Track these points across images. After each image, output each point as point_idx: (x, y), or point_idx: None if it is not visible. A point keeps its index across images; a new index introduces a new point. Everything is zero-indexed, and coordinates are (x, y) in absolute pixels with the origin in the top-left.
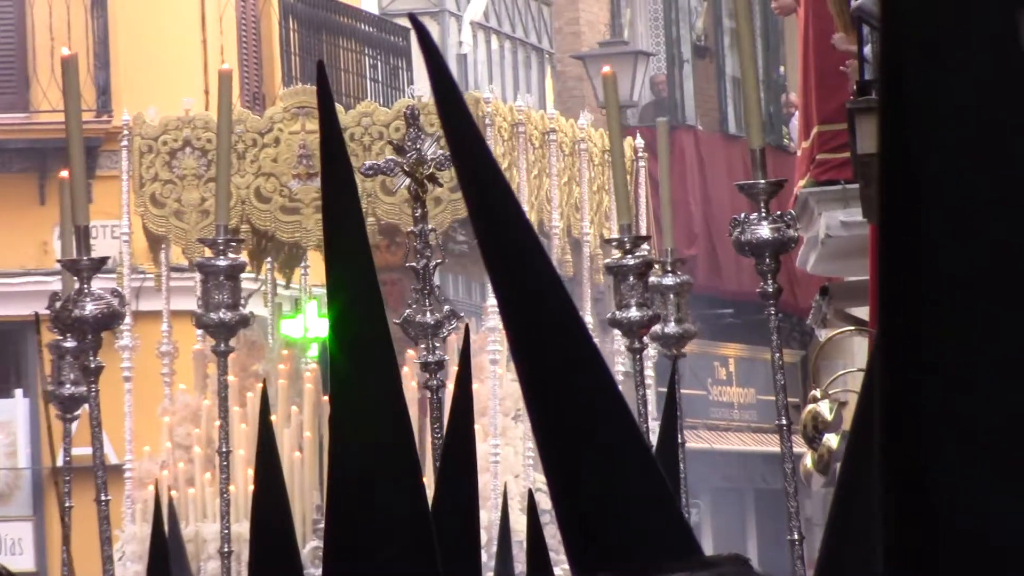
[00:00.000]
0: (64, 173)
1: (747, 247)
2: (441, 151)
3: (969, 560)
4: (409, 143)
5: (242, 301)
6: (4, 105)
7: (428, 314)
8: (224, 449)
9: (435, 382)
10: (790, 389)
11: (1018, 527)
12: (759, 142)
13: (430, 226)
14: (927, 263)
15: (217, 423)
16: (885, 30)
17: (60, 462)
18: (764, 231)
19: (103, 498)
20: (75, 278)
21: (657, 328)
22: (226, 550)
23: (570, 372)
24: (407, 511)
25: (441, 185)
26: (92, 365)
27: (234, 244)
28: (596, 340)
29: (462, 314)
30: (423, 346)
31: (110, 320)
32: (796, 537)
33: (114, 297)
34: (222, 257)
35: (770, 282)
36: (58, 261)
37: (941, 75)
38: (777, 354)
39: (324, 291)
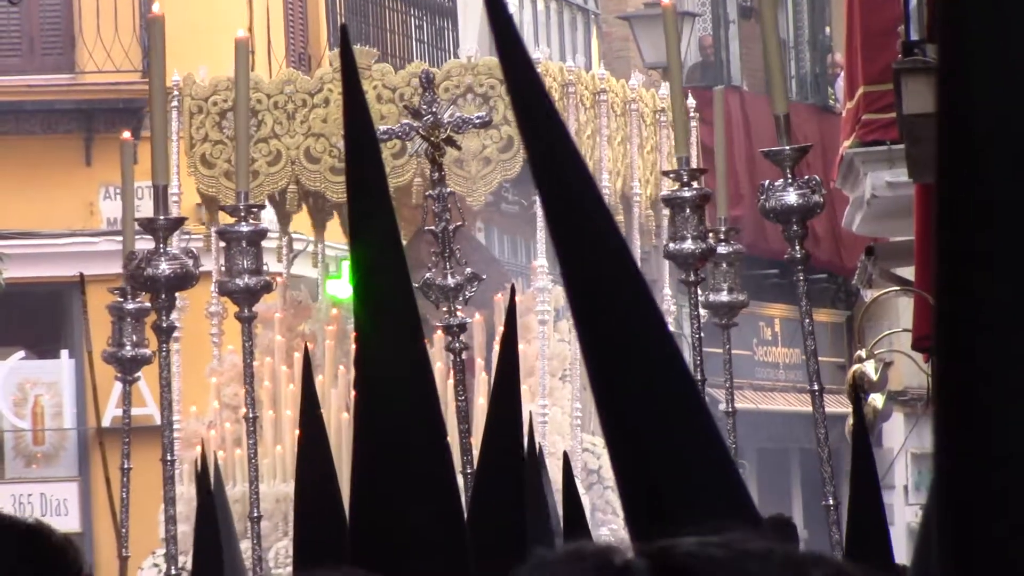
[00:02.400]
0: (126, 134)
1: (772, 214)
2: (459, 114)
3: None
4: (425, 107)
5: (289, 260)
6: (50, 66)
7: (449, 277)
8: (251, 415)
9: (457, 345)
10: (835, 349)
11: None
12: (783, 108)
13: (448, 189)
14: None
15: (266, 383)
16: None
17: (106, 423)
18: (790, 197)
19: (169, 458)
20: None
21: (709, 296)
22: (255, 515)
23: (632, 334)
24: (433, 478)
25: (459, 148)
26: (164, 325)
27: (255, 210)
28: None
29: (484, 277)
30: (444, 309)
31: (184, 280)
32: (831, 502)
33: (189, 257)
34: (243, 223)
35: (798, 248)
36: (136, 220)
37: (1002, 31)
38: (807, 320)
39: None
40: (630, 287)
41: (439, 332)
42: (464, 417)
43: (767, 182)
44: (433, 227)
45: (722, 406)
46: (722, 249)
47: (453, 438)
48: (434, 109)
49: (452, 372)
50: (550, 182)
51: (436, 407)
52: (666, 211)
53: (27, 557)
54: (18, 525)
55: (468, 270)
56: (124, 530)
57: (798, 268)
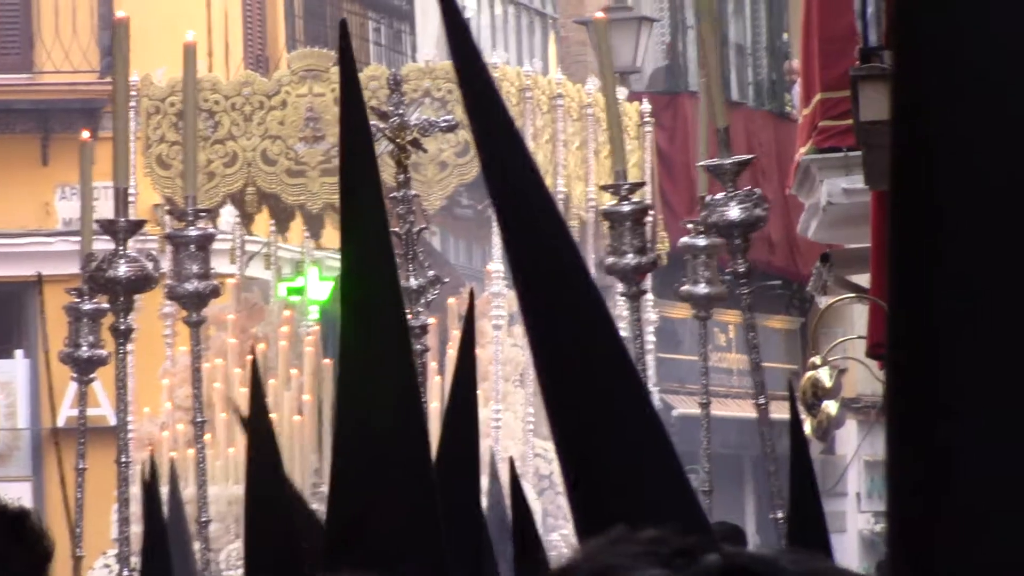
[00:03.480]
0: (85, 134)
1: (714, 228)
2: (425, 116)
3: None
4: (392, 108)
5: (243, 262)
6: (8, 66)
7: (412, 279)
8: (199, 419)
9: (418, 347)
10: (790, 356)
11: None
12: (723, 121)
13: (412, 191)
14: (938, 232)
15: (217, 385)
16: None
17: (61, 423)
18: (733, 212)
19: (124, 459)
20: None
21: (688, 287)
22: (203, 519)
23: (581, 339)
24: (414, 484)
25: (425, 150)
26: (123, 327)
27: (203, 214)
28: None
29: (446, 280)
30: (406, 311)
31: (143, 283)
32: (779, 516)
33: (148, 260)
34: (192, 228)
35: (740, 261)
36: (96, 222)
37: (956, 36)
38: (752, 333)
39: (324, 254)
40: (580, 291)
41: None
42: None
43: (708, 197)
44: (397, 229)
45: (680, 410)
46: (700, 241)
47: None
48: (401, 111)
49: None
50: (502, 185)
51: (422, 413)
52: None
53: (18, 539)
54: (8, 509)
55: (431, 273)
56: (78, 530)
57: (740, 282)
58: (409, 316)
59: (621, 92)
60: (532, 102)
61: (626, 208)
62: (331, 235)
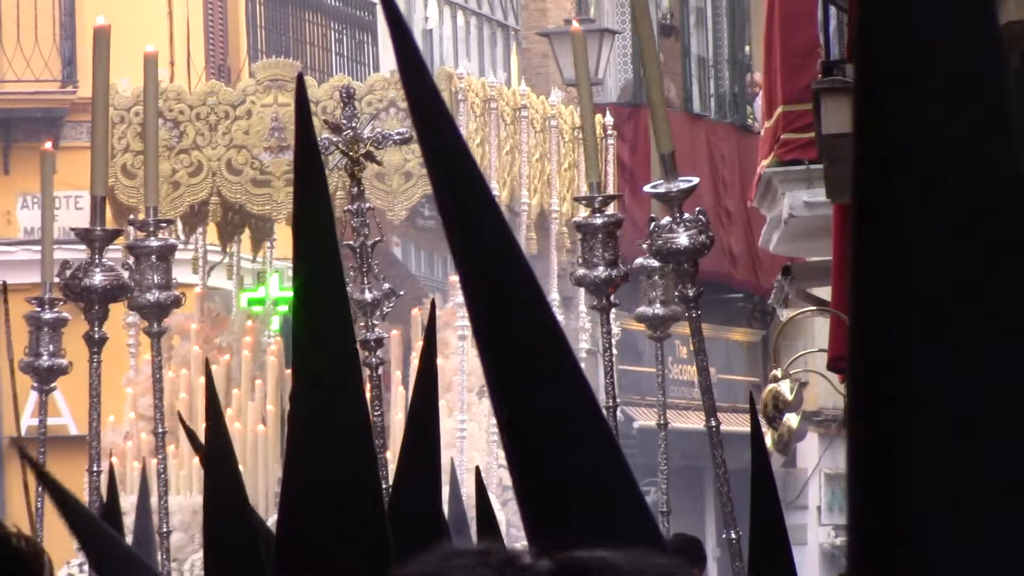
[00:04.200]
0: (48, 144)
1: (660, 255)
2: (379, 130)
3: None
4: (345, 121)
5: (205, 272)
6: None
7: (366, 291)
8: (161, 430)
9: (374, 359)
10: (751, 368)
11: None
12: (668, 147)
13: (367, 204)
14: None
15: (182, 395)
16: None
17: (23, 432)
18: (681, 239)
19: (95, 469)
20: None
21: (645, 309)
22: (165, 530)
23: (532, 352)
24: (366, 510)
25: (380, 163)
26: (96, 336)
27: (164, 225)
28: (560, 317)
29: (402, 293)
30: (361, 324)
31: (118, 291)
32: (734, 536)
33: (124, 269)
34: (153, 238)
35: (689, 286)
36: (72, 230)
37: (918, 51)
38: (701, 355)
39: (288, 265)
40: (528, 303)
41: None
42: (380, 432)
43: (653, 224)
44: (352, 242)
45: (640, 422)
46: (654, 263)
47: (395, 431)
48: (354, 124)
49: (369, 387)
50: (449, 198)
51: (369, 432)
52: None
53: (11, 558)
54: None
55: (386, 285)
56: (39, 539)
57: (690, 306)
58: (364, 329)
59: None
60: (496, 113)
61: (599, 220)
62: (285, 245)
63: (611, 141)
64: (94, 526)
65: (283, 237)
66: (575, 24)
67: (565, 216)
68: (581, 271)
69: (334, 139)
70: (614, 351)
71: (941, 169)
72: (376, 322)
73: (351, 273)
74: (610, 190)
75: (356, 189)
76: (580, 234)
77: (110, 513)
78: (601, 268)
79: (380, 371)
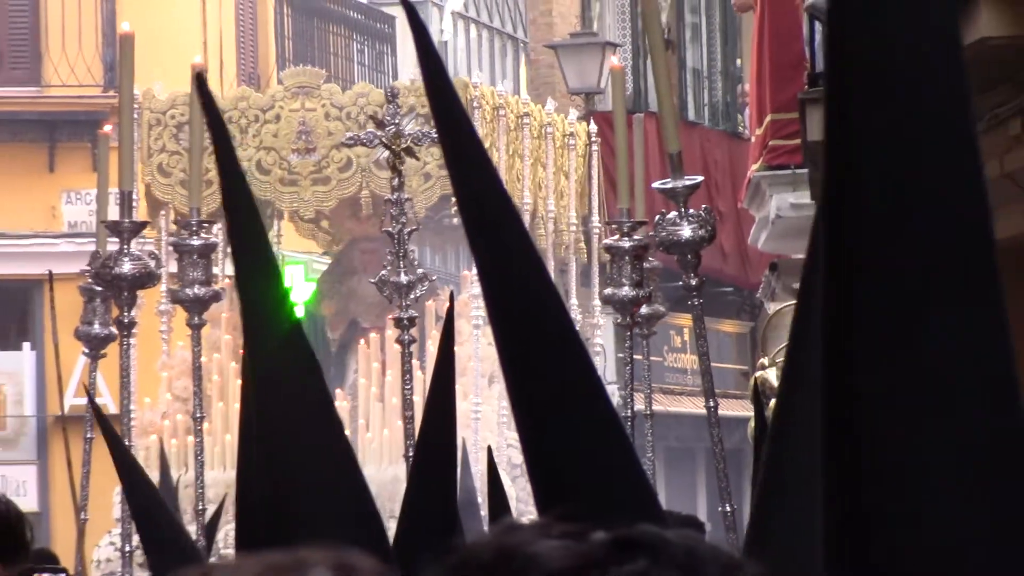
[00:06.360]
0: (107, 127)
1: (664, 245)
2: (418, 128)
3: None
4: (388, 118)
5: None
6: (17, 80)
7: (402, 275)
8: (199, 415)
9: (407, 337)
10: (740, 358)
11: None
12: (675, 147)
13: (406, 195)
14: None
15: (215, 378)
16: (832, 21)
17: (67, 410)
18: (685, 231)
19: (127, 443)
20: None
21: (611, 290)
22: (200, 507)
23: (545, 341)
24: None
25: (417, 158)
26: (126, 320)
27: (207, 225)
28: None
29: (434, 278)
30: (396, 304)
31: (146, 279)
32: (728, 509)
33: (151, 259)
34: (195, 237)
35: (693, 277)
36: (102, 222)
37: (888, 65)
38: (702, 341)
39: (303, 257)
40: (545, 299)
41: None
42: (409, 404)
43: (658, 217)
44: (390, 229)
45: (636, 407)
46: (625, 243)
47: (396, 426)
48: (396, 121)
49: (401, 362)
50: (469, 197)
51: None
52: (607, 256)
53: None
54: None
55: (420, 270)
56: (84, 507)
57: (693, 295)
58: (398, 309)
59: (573, 112)
60: (504, 119)
61: (627, 244)
62: (291, 238)
63: (595, 148)
64: (150, 496)
65: (288, 231)
66: (615, 62)
67: (560, 217)
68: (608, 290)
69: (378, 133)
70: (595, 339)
71: (908, 174)
72: (408, 303)
73: (388, 257)
74: (594, 192)
75: (396, 180)
76: (609, 255)
77: (163, 481)
78: (627, 288)
79: (411, 348)
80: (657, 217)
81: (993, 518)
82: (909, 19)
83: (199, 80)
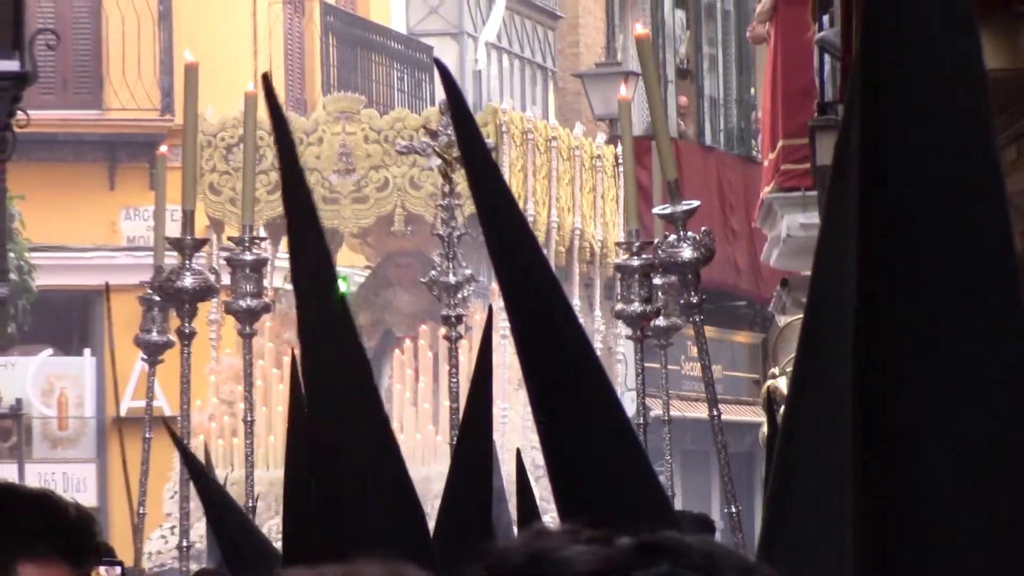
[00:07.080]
0: (163, 148)
1: (664, 267)
2: None
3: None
4: (441, 128)
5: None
6: (80, 103)
7: (451, 275)
8: (249, 418)
9: (454, 334)
10: (753, 366)
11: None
12: (672, 174)
13: (458, 201)
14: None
15: (259, 383)
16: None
17: (123, 412)
18: (685, 252)
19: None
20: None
21: (621, 306)
22: (251, 504)
23: (561, 353)
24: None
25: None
26: (187, 330)
27: (258, 241)
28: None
29: (480, 279)
30: (445, 302)
31: (206, 292)
32: (733, 510)
33: (211, 273)
34: (247, 252)
35: (693, 295)
36: (167, 239)
37: (908, 84)
38: (706, 357)
39: (345, 271)
40: (563, 318)
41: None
42: (455, 396)
43: (658, 240)
44: (442, 232)
45: (655, 412)
46: (657, 280)
47: (428, 429)
48: (449, 131)
49: (449, 357)
50: (491, 221)
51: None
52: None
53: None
54: (32, 494)
55: (468, 271)
56: (142, 502)
57: (694, 311)
58: (447, 308)
59: (600, 136)
60: (533, 143)
61: (636, 263)
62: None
63: (621, 169)
64: (220, 496)
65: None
66: (623, 92)
67: (587, 232)
68: (619, 306)
69: (431, 143)
70: (619, 364)
71: (928, 183)
72: (456, 301)
73: (438, 258)
74: (620, 211)
75: (447, 187)
76: (619, 273)
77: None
78: (636, 304)
79: (458, 344)
80: (657, 240)
81: None
82: (934, 47)
83: (265, 82)
